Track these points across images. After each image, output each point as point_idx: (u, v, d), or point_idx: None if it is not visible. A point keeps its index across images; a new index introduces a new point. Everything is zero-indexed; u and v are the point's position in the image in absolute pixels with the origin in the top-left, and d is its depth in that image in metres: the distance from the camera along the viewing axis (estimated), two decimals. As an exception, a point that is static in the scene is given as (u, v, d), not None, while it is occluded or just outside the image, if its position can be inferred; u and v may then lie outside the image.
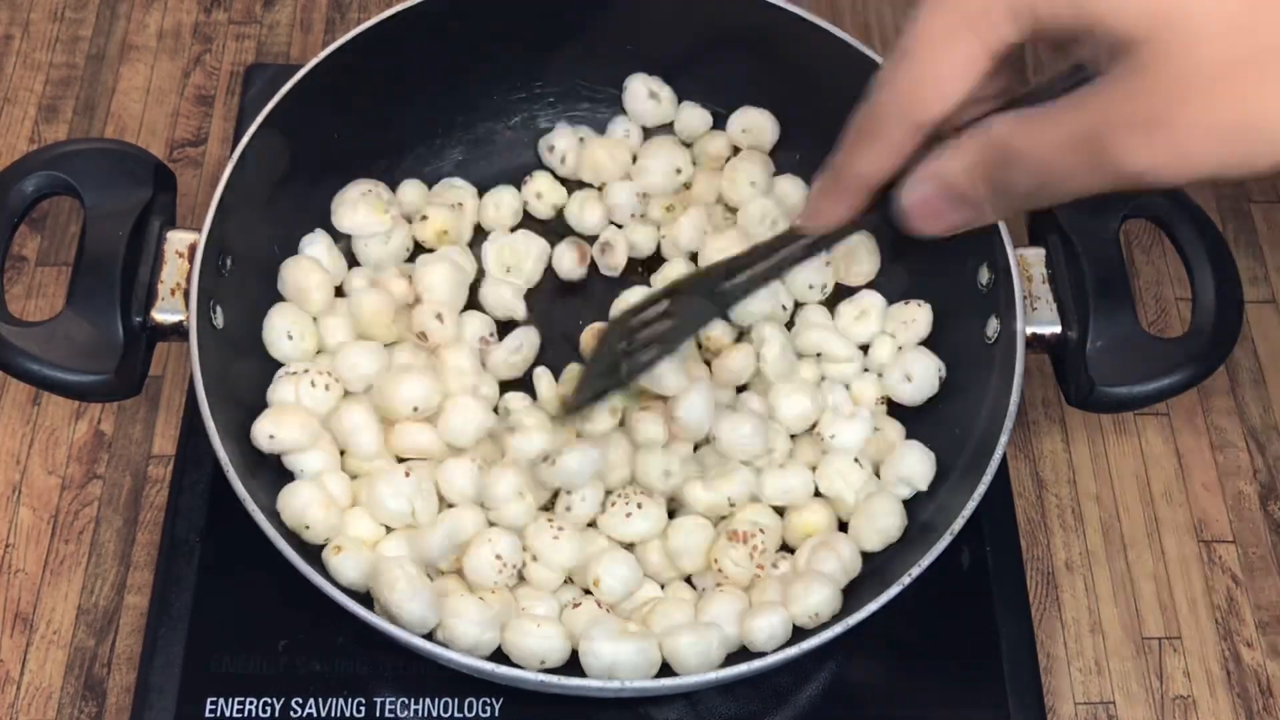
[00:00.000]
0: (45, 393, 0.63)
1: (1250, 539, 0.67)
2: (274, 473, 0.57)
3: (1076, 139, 0.36)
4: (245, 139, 0.58)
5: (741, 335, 0.62)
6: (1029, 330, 0.56)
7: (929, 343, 0.62)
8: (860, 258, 0.65)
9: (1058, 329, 0.57)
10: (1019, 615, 0.60)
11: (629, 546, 0.57)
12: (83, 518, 0.65)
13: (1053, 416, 0.70)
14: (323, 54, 0.60)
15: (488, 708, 0.57)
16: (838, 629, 0.50)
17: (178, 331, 0.56)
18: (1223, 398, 0.71)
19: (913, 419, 0.61)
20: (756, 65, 0.66)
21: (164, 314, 0.56)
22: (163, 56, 0.80)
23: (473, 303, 0.64)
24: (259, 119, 0.58)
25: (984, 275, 0.59)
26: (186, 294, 0.55)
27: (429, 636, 0.51)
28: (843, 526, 0.58)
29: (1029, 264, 0.58)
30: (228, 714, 0.56)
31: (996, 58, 0.38)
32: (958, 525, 0.51)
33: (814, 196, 0.46)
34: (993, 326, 0.58)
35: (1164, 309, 0.73)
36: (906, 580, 0.51)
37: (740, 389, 0.62)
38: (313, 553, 0.53)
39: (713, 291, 0.52)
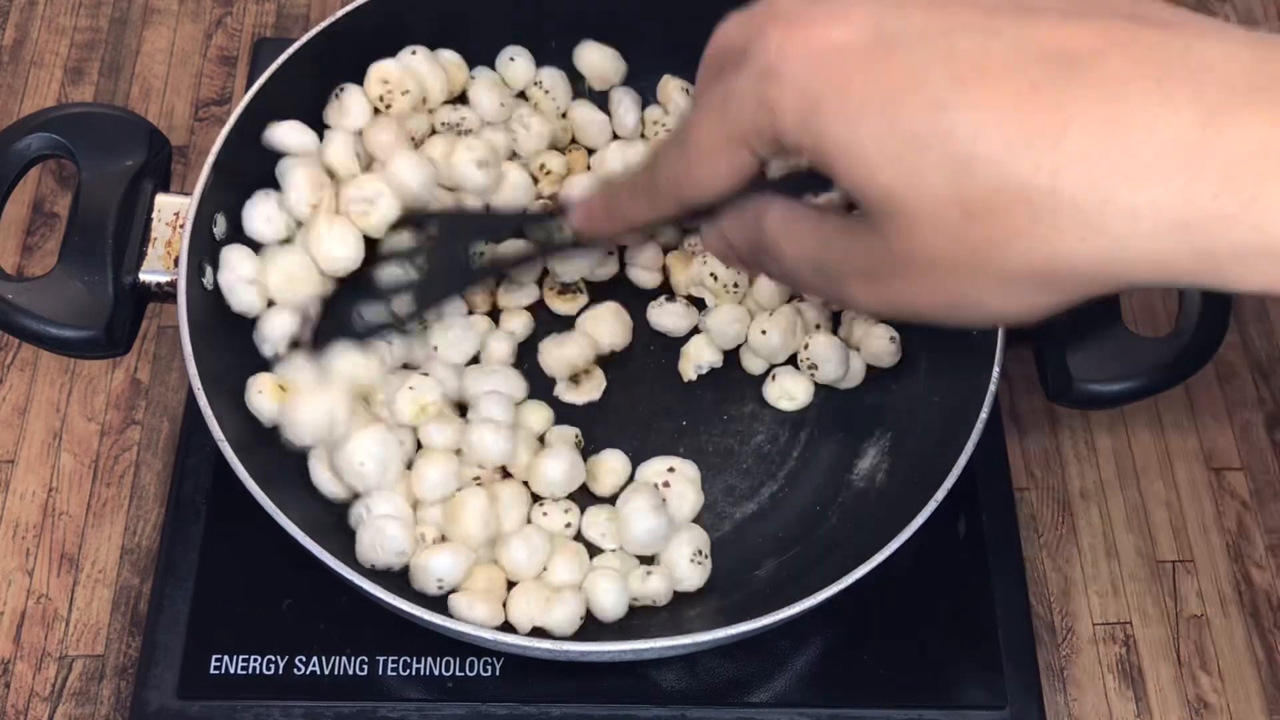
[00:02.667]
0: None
1: (1258, 466, 0.69)
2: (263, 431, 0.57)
3: (818, 264, 0.40)
4: (236, 113, 0.58)
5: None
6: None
7: (916, 340, 0.63)
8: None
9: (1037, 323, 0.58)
10: (1015, 583, 0.61)
11: None
12: (123, 462, 0.66)
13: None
14: (318, 27, 0.61)
15: (489, 667, 0.57)
16: (835, 588, 0.51)
17: (168, 292, 0.56)
18: (1229, 334, 0.73)
19: (898, 412, 0.62)
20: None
21: (153, 275, 0.57)
22: (185, 19, 0.81)
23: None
24: (248, 95, 0.59)
25: None
26: (176, 257, 0.56)
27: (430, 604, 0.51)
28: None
29: None
30: (232, 670, 0.57)
31: (758, 166, 0.40)
32: (948, 483, 0.52)
33: (585, 207, 0.49)
34: None
35: (1153, 309, 0.74)
36: (904, 537, 0.51)
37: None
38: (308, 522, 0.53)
39: (467, 251, 0.55)
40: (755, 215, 0.42)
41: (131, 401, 0.68)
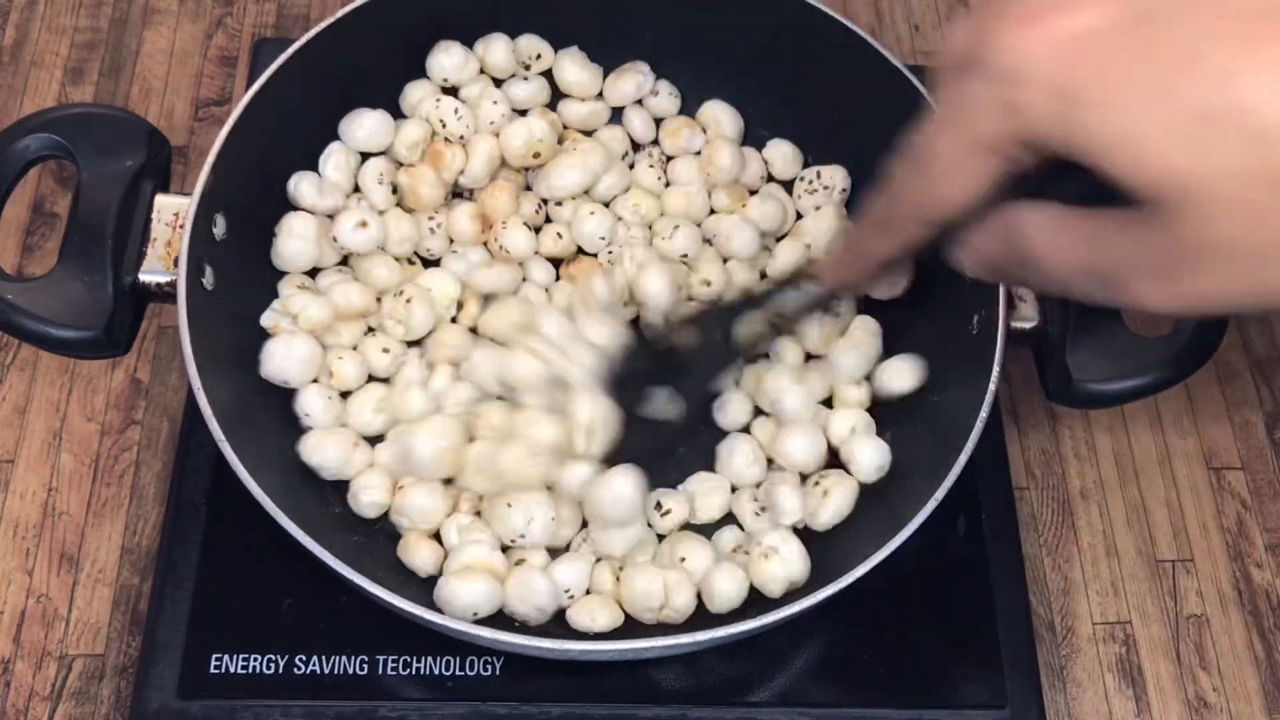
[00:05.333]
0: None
1: (1258, 465, 0.69)
2: (263, 431, 0.57)
3: (1093, 268, 0.37)
4: (236, 113, 0.58)
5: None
6: (1010, 324, 0.57)
7: (915, 340, 0.63)
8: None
9: (1037, 322, 0.58)
10: (1015, 582, 0.61)
11: None
12: (123, 462, 0.66)
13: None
14: (318, 28, 0.61)
15: (489, 666, 0.57)
16: (835, 588, 0.51)
17: (168, 292, 0.56)
18: (1229, 333, 0.73)
19: (898, 412, 0.62)
20: (761, 55, 0.67)
21: (153, 275, 0.57)
22: (185, 19, 0.81)
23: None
24: (248, 95, 0.59)
25: None
26: (176, 257, 0.56)
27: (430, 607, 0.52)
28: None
29: None
30: (232, 670, 0.57)
31: (1007, 172, 0.38)
32: (948, 482, 0.52)
33: (833, 262, 0.50)
34: (976, 319, 0.58)
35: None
36: (903, 537, 0.51)
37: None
38: (309, 520, 0.53)
39: (724, 332, 0.57)
40: (1008, 226, 0.39)
41: (131, 401, 0.68)
